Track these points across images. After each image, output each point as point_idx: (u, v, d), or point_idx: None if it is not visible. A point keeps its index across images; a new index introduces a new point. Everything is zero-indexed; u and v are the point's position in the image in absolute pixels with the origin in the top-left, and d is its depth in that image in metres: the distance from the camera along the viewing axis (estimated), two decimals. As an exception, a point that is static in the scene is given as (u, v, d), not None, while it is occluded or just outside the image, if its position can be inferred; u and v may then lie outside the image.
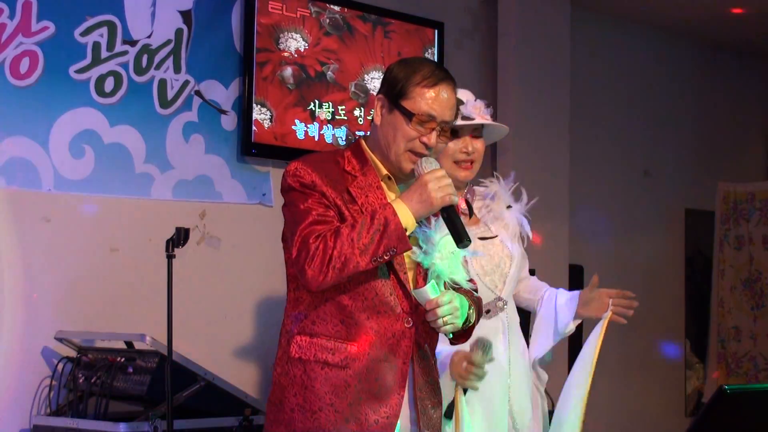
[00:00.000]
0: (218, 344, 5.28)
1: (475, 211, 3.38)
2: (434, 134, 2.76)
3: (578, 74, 7.15)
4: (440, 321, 2.70)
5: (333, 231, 2.64)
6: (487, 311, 3.27)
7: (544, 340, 3.44)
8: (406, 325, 2.73)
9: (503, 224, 3.37)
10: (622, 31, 7.76)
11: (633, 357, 7.68)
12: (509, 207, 3.40)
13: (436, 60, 6.29)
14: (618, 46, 7.75)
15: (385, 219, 2.63)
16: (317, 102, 5.76)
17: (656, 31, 7.96)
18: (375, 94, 2.84)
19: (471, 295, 2.86)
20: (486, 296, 3.25)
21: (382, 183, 2.79)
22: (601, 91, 7.62)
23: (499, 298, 3.28)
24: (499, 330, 3.28)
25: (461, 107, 3.27)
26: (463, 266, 2.83)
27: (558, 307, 3.46)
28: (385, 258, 2.64)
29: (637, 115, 7.88)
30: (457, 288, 2.82)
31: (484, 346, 2.93)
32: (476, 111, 3.29)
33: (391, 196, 2.79)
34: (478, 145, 3.31)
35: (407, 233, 2.66)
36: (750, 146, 8.84)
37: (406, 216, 2.66)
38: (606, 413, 7.11)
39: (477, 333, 3.00)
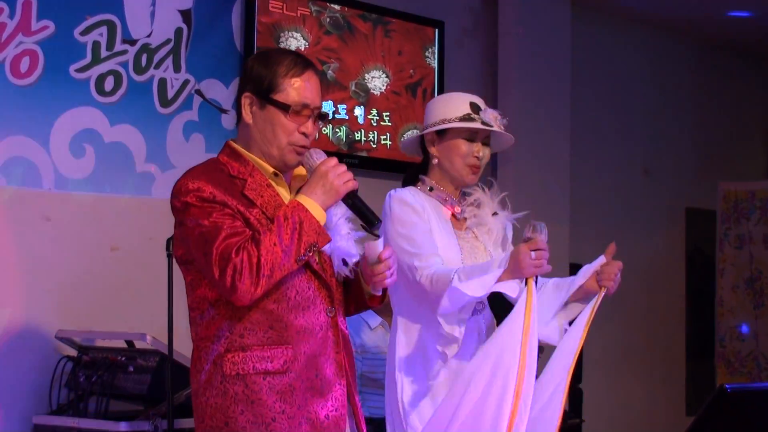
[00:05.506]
0: (218, 343, 5.27)
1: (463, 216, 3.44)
2: (311, 122, 2.74)
3: (579, 73, 7.15)
4: (389, 272, 2.73)
5: (250, 240, 2.58)
6: None
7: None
8: (329, 314, 2.73)
9: (486, 230, 3.43)
10: (622, 30, 7.76)
11: (633, 356, 7.68)
12: (495, 214, 3.44)
13: (436, 60, 6.30)
14: (618, 45, 7.75)
15: (299, 217, 2.61)
16: (317, 101, 5.76)
17: (656, 31, 7.96)
18: (239, 93, 2.77)
19: None
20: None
21: (270, 181, 2.75)
22: (601, 91, 7.62)
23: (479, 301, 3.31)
24: (474, 330, 3.32)
25: (481, 113, 3.34)
26: (357, 246, 2.82)
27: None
28: (309, 255, 2.63)
29: (637, 114, 7.88)
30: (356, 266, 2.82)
31: (534, 227, 2.89)
32: (494, 119, 3.37)
33: (282, 192, 2.76)
34: (487, 152, 3.41)
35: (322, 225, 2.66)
36: (750, 145, 8.84)
37: (316, 209, 2.64)
38: (606, 412, 7.10)
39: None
